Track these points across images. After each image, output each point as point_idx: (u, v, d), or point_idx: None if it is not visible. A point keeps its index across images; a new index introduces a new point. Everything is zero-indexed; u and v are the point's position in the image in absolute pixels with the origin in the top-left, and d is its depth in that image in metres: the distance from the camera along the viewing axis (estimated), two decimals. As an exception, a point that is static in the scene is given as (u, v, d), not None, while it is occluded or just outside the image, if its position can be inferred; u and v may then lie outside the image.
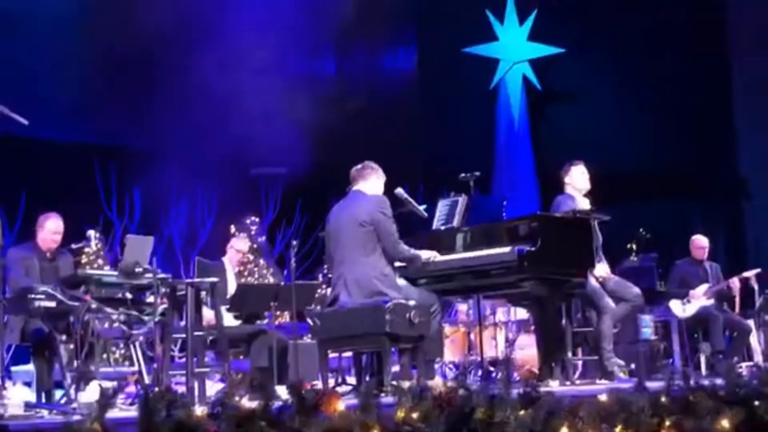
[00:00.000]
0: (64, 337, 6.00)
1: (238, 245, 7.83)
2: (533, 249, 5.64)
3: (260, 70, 11.96)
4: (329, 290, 6.03)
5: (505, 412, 3.14)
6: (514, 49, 14.78)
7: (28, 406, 4.90)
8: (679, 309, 8.67)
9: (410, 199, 6.10)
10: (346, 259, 5.55)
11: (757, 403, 3.47)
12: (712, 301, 8.67)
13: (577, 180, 6.70)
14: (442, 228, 6.27)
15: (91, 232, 9.67)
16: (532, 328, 7.56)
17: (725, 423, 3.33)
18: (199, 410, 2.95)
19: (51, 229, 6.61)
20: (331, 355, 6.29)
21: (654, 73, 13.70)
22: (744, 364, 8.08)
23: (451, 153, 12.69)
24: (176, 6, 10.87)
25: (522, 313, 8.63)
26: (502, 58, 14.79)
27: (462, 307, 9.19)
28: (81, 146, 11.47)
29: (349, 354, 6.77)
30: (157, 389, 3.22)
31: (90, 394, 5.41)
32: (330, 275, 6.04)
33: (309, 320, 5.89)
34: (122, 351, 9.10)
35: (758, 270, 8.85)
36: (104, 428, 2.77)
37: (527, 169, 14.52)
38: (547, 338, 6.12)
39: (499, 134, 14.83)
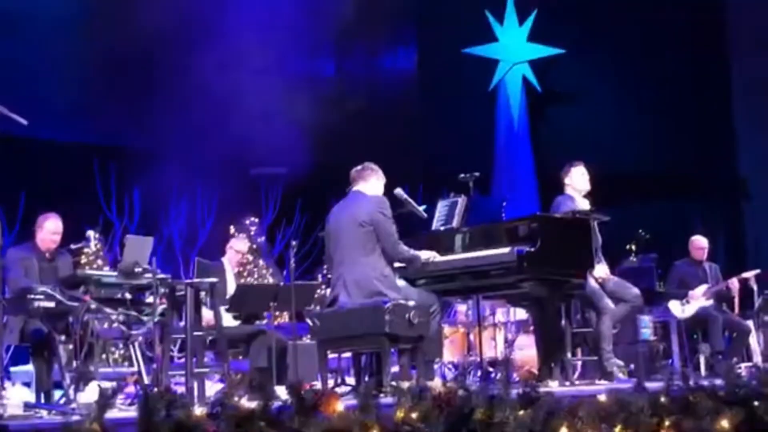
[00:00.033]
0: (63, 338, 5.99)
1: (238, 246, 7.83)
2: (533, 250, 5.63)
3: (260, 70, 11.96)
4: (329, 291, 6.03)
5: (504, 412, 3.15)
6: (514, 49, 14.77)
7: (27, 406, 4.89)
8: (679, 310, 8.67)
9: (410, 200, 6.10)
10: (345, 259, 5.55)
11: (756, 403, 3.48)
12: (711, 302, 8.67)
13: (577, 181, 6.70)
14: (442, 228, 6.27)
15: (91, 233, 9.70)
16: (532, 328, 7.56)
17: (725, 423, 3.33)
18: (199, 410, 2.96)
19: (50, 229, 6.59)
20: (331, 355, 6.30)
21: (654, 74, 13.69)
22: (743, 365, 8.06)
23: (451, 153, 12.68)
24: (176, 6, 10.87)
25: (521, 314, 8.63)
26: (501, 58, 14.78)
27: (461, 308, 9.18)
28: (81, 146, 11.47)
29: (348, 354, 6.76)
30: (156, 389, 3.23)
31: (89, 394, 5.41)
32: (329, 275, 6.04)
33: (308, 321, 5.89)
34: (121, 351, 9.10)
35: (757, 271, 8.83)
36: (103, 428, 2.77)
37: (527, 169, 14.51)
38: (546, 339, 6.12)
39: (499, 135, 14.82)
